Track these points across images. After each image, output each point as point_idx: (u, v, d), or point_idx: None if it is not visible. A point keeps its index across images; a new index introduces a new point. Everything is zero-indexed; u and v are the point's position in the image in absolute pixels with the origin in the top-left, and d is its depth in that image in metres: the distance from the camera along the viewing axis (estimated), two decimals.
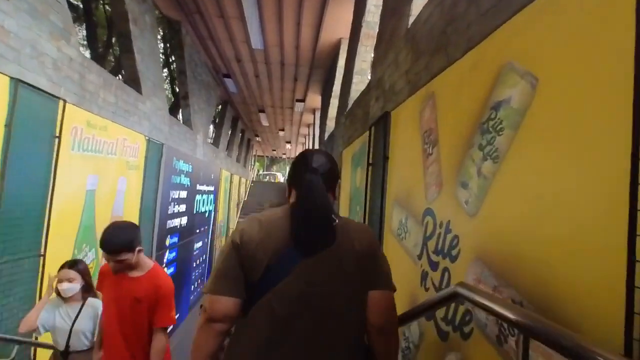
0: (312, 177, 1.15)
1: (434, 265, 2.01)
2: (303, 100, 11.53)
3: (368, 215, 3.59)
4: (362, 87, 4.87)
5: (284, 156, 30.75)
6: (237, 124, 15.65)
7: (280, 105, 12.85)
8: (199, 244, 9.50)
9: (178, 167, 7.10)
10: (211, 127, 12.54)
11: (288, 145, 22.93)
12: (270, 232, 1.10)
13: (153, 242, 6.08)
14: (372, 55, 5.01)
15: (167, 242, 6.81)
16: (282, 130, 17.56)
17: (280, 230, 1.10)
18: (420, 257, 2.21)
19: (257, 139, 20.62)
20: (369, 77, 4.47)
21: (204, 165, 9.42)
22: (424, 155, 2.27)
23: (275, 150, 27.12)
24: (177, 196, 7.14)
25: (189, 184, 7.93)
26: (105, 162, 4.40)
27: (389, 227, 2.89)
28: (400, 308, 1.42)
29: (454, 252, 1.79)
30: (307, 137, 18.79)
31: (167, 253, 6.79)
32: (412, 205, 2.41)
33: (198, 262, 9.55)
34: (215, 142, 11.55)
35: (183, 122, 7.76)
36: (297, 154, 1.42)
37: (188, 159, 7.76)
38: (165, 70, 10.72)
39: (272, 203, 19.26)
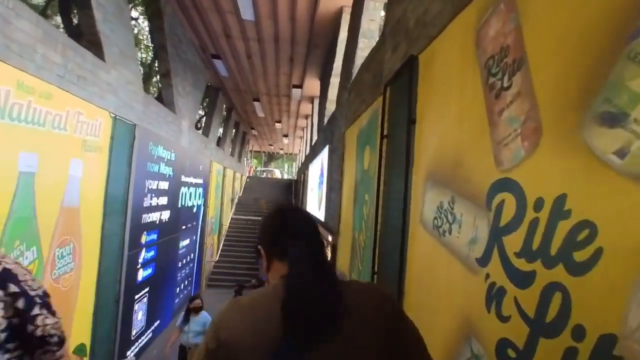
0: (301, 245, 0.92)
1: (519, 277, 1.14)
2: (300, 87, 10.64)
3: (382, 204, 2.72)
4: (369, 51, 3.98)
5: (281, 151, 29.83)
6: (231, 115, 14.74)
7: (276, 92, 11.95)
8: (186, 242, 8.62)
9: (156, 153, 6.21)
10: (202, 116, 11.64)
11: (285, 140, 22.03)
12: (257, 324, 0.83)
13: (124, 240, 5.20)
14: (383, 13, 4.11)
15: (143, 239, 5.92)
16: (279, 122, 16.66)
17: (269, 320, 0.82)
18: (484, 261, 1.34)
19: (253, 132, 19.72)
20: (377, 38, 3.61)
21: (191, 154, 8.52)
22: (489, 94, 1.39)
23: (272, 145, 26.22)
24: (155, 187, 6.25)
25: (171, 174, 7.03)
26: (50, 138, 3.50)
27: (418, 216, 2.02)
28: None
29: (579, 256, 0.92)
30: (305, 129, 17.91)
31: (142, 252, 5.91)
32: (465, 179, 1.54)
33: (185, 262, 8.67)
34: (205, 131, 10.65)
35: (164, 105, 6.85)
36: (272, 211, 1.09)
37: (169, 145, 6.87)
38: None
39: (269, 200, 18.38)
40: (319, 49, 7.82)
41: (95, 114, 4.27)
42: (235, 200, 17.65)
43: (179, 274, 8.20)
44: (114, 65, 4.64)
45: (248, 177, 22.62)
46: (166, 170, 6.78)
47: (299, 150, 26.36)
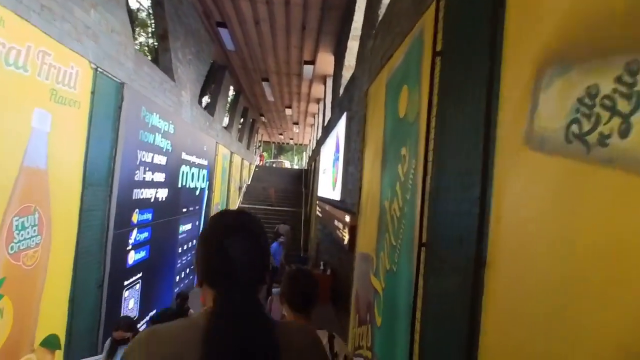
0: (239, 292, 0.82)
1: None
2: (312, 63, 9.82)
3: (435, 147, 1.92)
4: None
5: (291, 141, 29.08)
6: (239, 99, 14.01)
7: (286, 71, 11.16)
8: (187, 226, 7.92)
9: (151, 121, 5.48)
10: (206, 94, 10.93)
11: (295, 128, 21.26)
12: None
13: (109, 216, 4.49)
14: None
15: (135, 218, 5.21)
16: (289, 107, 15.88)
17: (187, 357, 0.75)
18: None
19: (262, 119, 18.98)
20: None
21: (194, 132, 7.80)
22: None
23: (282, 135, 25.46)
24: (149, 160, 5.53)
25: (169, 148, 6.32)
26: (3, 76, 2.78)
27: (520, 135, 1.22)
28: None
29: None
30: (316, 116, 17.11)
31: (134, 232, 5.20)
32: None
33: (186, 248, 7.99)
34: (210, 110, 9.93)
35: (161, 69, 6.12)
36: (216, 215, 0.95)
37: (167, 115, 6.14)
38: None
39: (278, 189, 17.66)
40: (335, 12, 6.99)
41: (68, 59, 3.53)
42: (244, 189, 16.97)
43: (179, 261, 7.51)
44: (94, 5, 3.90)
45: (257, 166, 21.94)
46: (163, 143, 6.06)
47: (309, 140, 25.59)
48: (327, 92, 11.32)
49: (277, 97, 14.46)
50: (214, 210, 10.61)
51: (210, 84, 11.01)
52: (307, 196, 16.08)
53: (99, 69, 4.02)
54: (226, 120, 12.91)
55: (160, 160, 5.99)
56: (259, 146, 25.09)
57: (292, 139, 27.42)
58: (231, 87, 13.50)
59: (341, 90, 6.83)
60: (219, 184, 11.17)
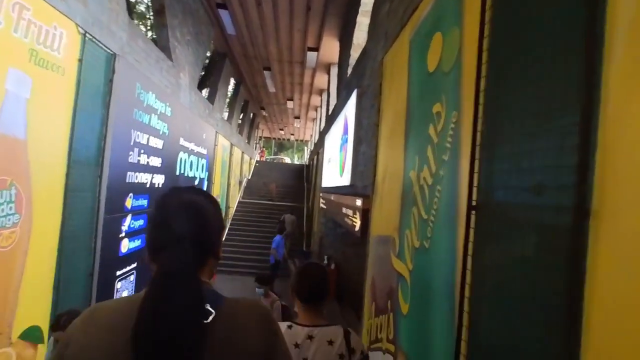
0: (174, 257, 0.78)
1: None
2: (316, 49, 9.45)
3: (487, 100, 1.56)
4: None
5: (292, 137, 28.68)
6: (239, 89, 13.63)
7: (288, 58, 10.78)
8: None
9: (146, 100, 5.11)
10: (205, 81, 10.56)
11: (297, 123, 20.87)
12: (114, 346, 0.71)
13: (99, 197, 4.12)
14: None
15: (129, 203, 4.83)
16: (291, 100, 15.50)
17: (127, 342, 0.69)
18: None
19: (263, 112, 18.59)
20: None
21: (193, 118, 7.42)
22: None
23: (282, 130, 25.06)
24: (145, 141, 5.15)
25: (166, 131, 5.94)
26: None
27: None
28: None
29: None
30: (318, 109, 16.72)
31: (128, 219, 4.82)
32: None
33: None
34: (210, 98, 9.55)
35: (158, 47, 5.74)
36: (169, 191, 0.90)
37: (164, 96, 5.77)
38: None
39: (279, 184, 17.29)
40: None
41: (51, 18, 3.15)
42: (244, 184, 16.59)
43: None
44: None
45: (257, 161, 21.54)
46: (160, 125, 5.68)
47: (311, 135, 25.21)
48: (332, 80, 10.94)
49: (278, 89, 14.07)
50: None
51: (210, 75, 10.63)
52: (309, 191, 15.71)
53: (87, 35, 3.64)
54: (226, 115, 12.52)
55: (157, 143, 5.61)
56: (259, 142, 24.67)
57: (292, 134, 27.01)
58: (232, 81, 13.12)
59: (349, 71, 6.45)
60: (219, 175, 10.79)
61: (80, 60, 3.62)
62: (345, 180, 5.46)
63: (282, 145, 43.33)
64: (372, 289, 3.36)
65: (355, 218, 4.48)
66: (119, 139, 4.45)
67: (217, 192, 10.65)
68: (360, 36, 5.94)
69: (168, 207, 0.84)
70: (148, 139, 5.27)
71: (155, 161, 5.63)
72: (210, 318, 0.75)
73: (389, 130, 3.30)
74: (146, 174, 5.30)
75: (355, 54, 6.07)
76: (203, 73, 11.57)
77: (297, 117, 19.64)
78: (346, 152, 5.50)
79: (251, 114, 18.63)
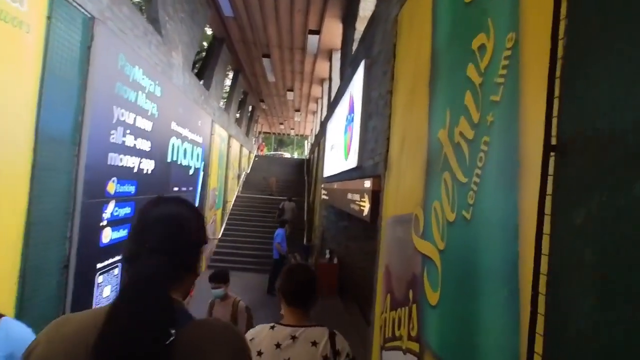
0: (143, 270, 0.76)
1: None
2: (318, 32, 8.96)
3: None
4: None
5: (292, 132, 28.19)
6: (238, 78, 13.14)
7: (289, 44, 10.29)
8: None
9: (132, 75, 4.63)
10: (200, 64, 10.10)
11: (297, 117, 20.38)
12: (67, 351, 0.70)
13: (76, 179, 3.65)
14: None
15: (112, 188, 4.36)
16: (291, 90, 15.01)
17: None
18: None
19: (262, 105, 18.09)
20: None
21: (186, 102, 6.94)
22: None
23: (282, 124, 24.55)
24: (130, 121, 4.68)
25: (155, 113, 5.46)
26: None
27: None
28: None
29: None
30: (319, 101, 16.24)
31: (111, 205, 4.35)
32: None
33: None
34: (206, 83, 9.07)
35: (147, 20, 5.26)
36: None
37: (153, 74, 5.29)
38: None
39: (279, 179, 16.82)
40: None
41: None
42: (243, 178, 16.12)
43: None
44: None
45: (257, 155, 21.07)
46: (148, 105, 5.20)
47: (311, 130, 24.73)
48: (334, 66, 10.46)
49: (278, 78, 13.58)
50: (210, 196, 9.76)
51: (208, 63, 10.15)
52: (310, 184, 15.25)
53: None
54: (221, 93, 12.03)
55: (145, 125, 5.14)
56: (258, 137, 24.14)
57: (292, 129, 26.51)
58: (230, 71, 12.63)
59: (354, 48, 5.98)
60: (216, 167, 10.32)
61: (49, 18, 3.14)
62: (351, 163, 4.99)
63: (282, 142, 42.86)
64: (387, 278, 2.90)
65: (364, 202, 4.01)
66: (100, 115, 3.98)
67: (214, 185, 10.19)
68: (366, 7, 5.47)
69: (146, 218, 0.84)
70: (135, 118, 4.80)
71: (144, 144, 5.16)
72: (170, 340, 0.69)
73: (407, 94, 2.83)
74: (133, 157, 4.83)
75: (361, 27, 5.60)
76: (201, 62, 11.10)
77: (298, 110, 19.14)
78: (352, 132, 5.03)
79: (250, 107, 18.15)
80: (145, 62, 5.01)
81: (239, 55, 11.50)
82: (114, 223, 4.46)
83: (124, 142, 4.55)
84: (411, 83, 2.72)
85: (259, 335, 1.49)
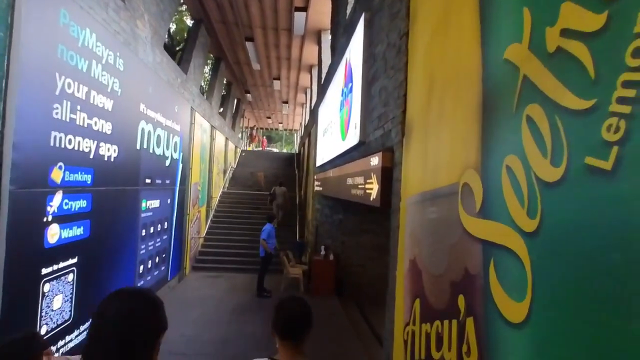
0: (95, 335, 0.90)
1: None
2: (305, 9, 8.17)
3: None
4: None
5: (280, 127, 27.30)
6: (220, 67, 12.25)
7: (273, 24, 9.46)
8: (154, 203, 6.23)
9: (81, 38, 3.78)
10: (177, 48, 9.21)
11: (285, 109, 19.54)
12: None
13: (1, 162, 2.82)
14: None
15: (57, 176, 3.52)
16: (277, 79, 14.17)
17: None
18: None
19: (248, 97, 17.19)
20: None
21: (158, 82, 6.09)
22: None
23: (270, 118, 23.64)
24: (82, 95, 3.84)
25: (117, 90, 4.62)
26: None
27: None
28: None
29: None
30: (307, 91, 15.45)
31: (57, 197, 3.51)
32: None
33: (153, 231, 6.30)
34: (184, 66, 8.20)
35: None
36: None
37: (113, 44, 4.44)
38: None
39: (267, 174, 15.99)
40: None
41: None
42: (229, 174, 15.24)
43: (142, 246, 5.82)
44: None
45: (243, 150, 20.16)
46: (107, 79, 4.36)
47: (300, 123, 23.92)
48: (324, 48, 9.68)
49: (263, 65, 12.73)
50: (192, 190, 8.91)
51: (185, 45, 9.27)
52: (301, 179, 14.48)
53: None
54: (200, 79, 11.13)
55: (103, 102, 4.29)
56: (253, 129, 22.92)
57: (281, 123, 25.61)
58: (212, 58, 11.74)
59: (348, 11, 5.22)
60: (198, 160, 9.46)
61: None
62: (350, 141, 4.23)
63: (270, 138, 41.91)
64: (414, 276, 2.15)
65: (370, 184, 3.26)
66: (35, 82, 3.14)
67: (195, 179, 9.33)
68: None
69: (101, 317, 0.91)
70: (88, 93, 3.95)
71: (103, 126, 4.31)
72: None
73: (434, 25, 2.07)
74: (87, 139, 3.99)
75: None
76: (180, 54, 10.21)
77: (285, 102, 18.29)
78: (350, 105, 4.27)
79: (235, 100, 17.24)
80: (100, 27, 4.16)
81: (219, 39, 10.62)
82: (64, 219, 3.63)
83: (73, 120, 3.71)
84: (441, 7, 1.97)
85: None
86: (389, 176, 2.87)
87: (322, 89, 8.57)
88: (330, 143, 6.09)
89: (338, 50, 6.11)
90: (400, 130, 2.53)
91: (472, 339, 1.45)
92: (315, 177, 8.96)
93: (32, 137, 3.15)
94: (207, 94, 11.34)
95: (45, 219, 3.36)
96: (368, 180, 3.36)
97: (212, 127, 11.17)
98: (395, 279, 2.51)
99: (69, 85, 3.61)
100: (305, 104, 17.34)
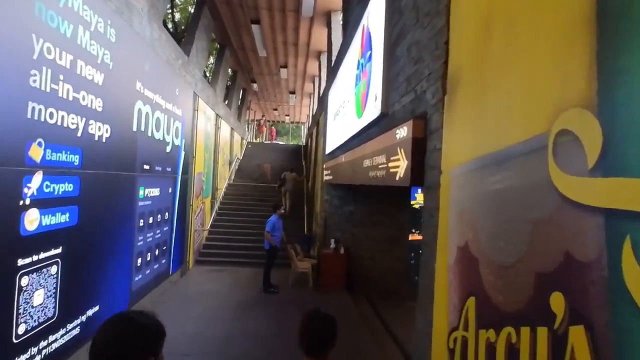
0: None
1: None
2: None
3: None
4: None
5: (287, 119, 26.79)
6: (225, 53, 11.78)
7: (280, 5, 8.94)
8: (153, 191, 5.80)
9: None
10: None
11: (292, 100, 19.03)
12: None
13: None
14: None
15: (37, 153, 3.09)
16: (284, 67, 13.66)
17: None
18: None
19: (254, 87, 16.69)
20: None
21: (156, 60, 5.63)
22: None
23: (276, 110, 23.13)
24: (65, 63, 3.39)
25: (109, 62, 4.17)
26: None
27: None
28: None
29: None
30: (315, 80, 14.93)
31: (37, 178, 3.08)
32: None
33: (152, 222, 5.87)
34: (186, 48, 7.73)
35: None
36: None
37: (102, 9, 3.98)
38: None
39: (274, 166, 15.55)
40: None
41: None
42: (235, 165, 14.82)
43: (140, 238, 5.40)
44: None
45: (249, 142, 19.72)
46: (96, 49, 3.91)
47: (307, 115, 23.41)
48: (334, 30, 9.16)
49: (270, 52, 12.22)
50: (196, 180, 8.48)
51: (187, 27, 8.80)
52: (308, 170, 14.01)
53: None
54: (204, 62, 10.67)
55: (92, 74, 3.85)
56: (261, 119, 22.22)
57: (287, 115, 25.10)
58: (217, 47, 11.27)
59: None
60: (202, 149, 9.03)
61: None
62: (368, 117, 3.75)
63: (277, 132, 41.42)
64: (464, 267, 1.67)
65: (396, 160, 2.78)
66: (5, 41, 2.70)
67: (200, 169, 8.90)
68: None
69: (95, 348, 0.93)
70: (73, 62, 3.50)
71: (92, 101, 3.87)
72: None
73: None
74: (73, 115, 3.54)
75: None
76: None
77: (292, 92, 17.77)
78: (369, 76, 3.78)
79: (241, 90, 16.78)
80: None
81: (224, 23, 10.13)
82: (45, 203, 3.20)
83: (55, 90, 3.26)
84: None
85: None
86: (421, 148, 2.39)
87: (332, 72, 8.07)
88: (343, 125, 5.60)
89: (352, 23, 5.60)
90: (440, 88, 2.04)
91: (582, 356, 0.97)
92: (324, 166, 8.48)
93: (3, 105, 2.71)
94: (212, 82, 10.88)
95: (21, 202, 2.93)
96: (392, 158, 2.88)
97: (217, 115, 10.73)
98: (432, 273, 2.03)
99: (49, 51, 3.16)
100: (313, 93, 16.83)
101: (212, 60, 14.15)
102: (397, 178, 2.75)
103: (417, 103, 2.48)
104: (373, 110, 3.49)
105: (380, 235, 8.17)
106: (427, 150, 2.27)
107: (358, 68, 4.40)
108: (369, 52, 3.77)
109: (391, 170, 2.92)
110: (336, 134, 6.52)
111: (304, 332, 1.49)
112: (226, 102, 13.42)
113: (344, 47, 6.21)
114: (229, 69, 13.47)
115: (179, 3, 14.50)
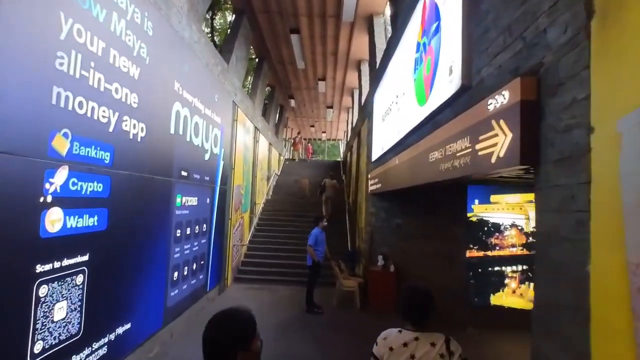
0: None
1: None
2: None
3: None
4: None
5: (323, 136, 26.49)
6: (263, 66, 11.65)
7: (320, 11, 8.64)
8: (191, 200, 5.43)
9: None
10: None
11: (329, 116, 18.70)
12: None
13: None
14: None
15: (62, 145, 2.74)
16: (323, 80, 13.36)
17: None
18: None
19: (292, 102, 16.53)
20: None
21: (195, 62, 5.37)
22: None
23: (313, 127, 22.88)
24: (96, 49, 3.08)
25: (145, 56, 3.88)
26: None
27: None
28: None
29: None
30: (355, 93, 14.51)
31: (62, 174, 2.71)
32: None
33: (189, 233, 5.48)
34: (225, 56, 7.54)
35: None
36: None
37: None
38: None
39: (312, 181, 15.08)
40: None
41: None
42: (273, 181, 14.51)
43: (176, 249, 4.99)
44: None
45: (287, 159, 19.48)
46: (132, 40, 3.62)
47: (344, 132, 22.99)
48: (377, 35, 8.70)
49: (308, 63, 11.96)
50: (235, 193, 8.12)
51: (226, 37, 8.69)
52: (349, 186, 13.42)
53: None
54: (243, 72, 10.51)
55: (127, 66, 3.54)
56: (297, 136, 22.02)
57: (324, 132, 24.80)
58: (250, 47, 11.16)
59: None
60: (241, 161, 8.72)
61: None
62: (438, 99, 3.14)
63: (313, 152, 41.32)
64: None
65: (491, 138, 2.14)
66: (25, 12, 2.39)
67: (239, 181, 8.57)
68: None
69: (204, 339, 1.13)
70: (106, 50, 3.20)
71: (127, 96, 3.56)
72: None
73: None
74: (105, 108, 3.22)
75: None
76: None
77: (330, 107, 17.44)
78: (437, 51, 3.20)
79: (278, 106, 16.68)
80: None
81: (262, 34, 9.99)
82: (71, 203, 2.82)
83: (85, 78, 2.94)
84: None
85: (390, 336, 1.82)
86: (533, 113, 1.76)
87: (376, 77, 7.55)
88: (396, 123, 5.01)
89: (405, 9, 5.07)
90: (578, 14, 1.42)
91: None
92: (369, 175, 7.86)
93: (23, 85, 2.38)
94: (251, 95, 10.72)
95: (41, 199, 2.56)
96: (483, 137, 2.24)
97: (256, 128, 10.48)
98: (586, 287, 1.35)
99: (79, 33, 2.86)
100: (352, 107, 16.41)
101: (250, 79, 14.18)
102: (493, 160, 2.11)
103: (525, 55, 1.86)
104: (447, 87, 2.88)
105: (433, 250, 7.34)
106: (555, 110, 1.63)
107: (417, 51, 3.84)
108: (434, 25, 3.20)
109: (481, 153, 2.28)
110: (386, 136, 5.93)
111: (407, 306, 1.83)
112: (264, 116, 13.27)
113: (393, 41, 5.69)
114: (267, 86, 13.37)
115: (217, 27, 14.78)
